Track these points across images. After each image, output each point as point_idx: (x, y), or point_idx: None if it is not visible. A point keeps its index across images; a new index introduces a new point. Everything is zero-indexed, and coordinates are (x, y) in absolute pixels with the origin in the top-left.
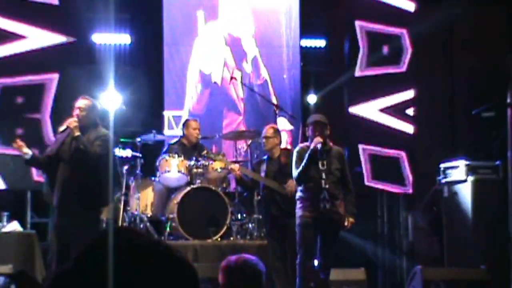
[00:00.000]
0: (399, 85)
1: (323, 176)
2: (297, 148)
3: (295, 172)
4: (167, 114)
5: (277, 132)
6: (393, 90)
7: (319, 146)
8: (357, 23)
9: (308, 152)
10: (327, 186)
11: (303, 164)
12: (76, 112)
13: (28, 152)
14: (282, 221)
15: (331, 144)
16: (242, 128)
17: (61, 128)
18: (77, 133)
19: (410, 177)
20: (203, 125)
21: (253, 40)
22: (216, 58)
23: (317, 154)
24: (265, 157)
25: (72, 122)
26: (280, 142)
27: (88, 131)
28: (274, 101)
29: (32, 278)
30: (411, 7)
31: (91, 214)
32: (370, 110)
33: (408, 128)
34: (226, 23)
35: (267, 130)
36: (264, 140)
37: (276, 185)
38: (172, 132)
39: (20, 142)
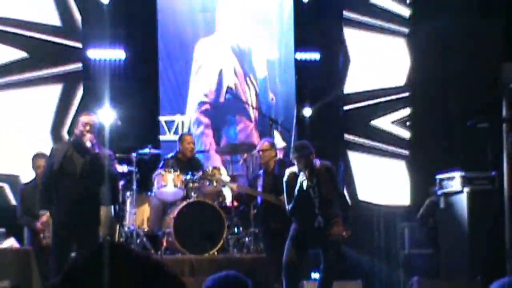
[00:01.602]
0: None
1: (316, 204)
2: (285, 178)
3: (287, 207)
4: (161, 119)
5: (272, 145)
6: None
7: (304, 184)
8: (348, 32)
9: (297, 189)
10: (320, 211)
11: (293, 202)
12: (87, 128)
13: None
14: (282, 234)
15: (317, 163)
16: (255, 135)
17: (88, 144)
18: (97, 150)
19: (407, 189)
20: (217, 132)
21: (265, 63)
22: (226, 66)
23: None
24: (261, 171)
25: (92, 139)
26: (276, 155)
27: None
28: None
29: None
30: (406, 13)
31: (97, 229)
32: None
33: (405, 137)
34: (232, 36)
35: (263, 144)
36: (260, 153)
37: (274, 198)
38: (164, 137)
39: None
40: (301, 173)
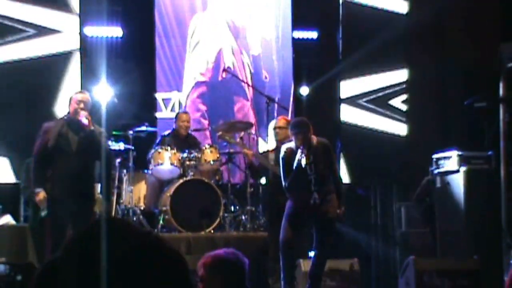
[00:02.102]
0: (392, 65)
1: (312, 181)
2: (281, 154)
3: (284, 182)
4: (158, 96)
5: (288, 122)
6: (385, 69)
7: (303, 162)
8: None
9: (295, 166)
10: (316, 188)
11: (290, 178)
12: (81, 106)
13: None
14: None
15: (315, 139)
16: (251, 113)
17: (85, 121)
18: (92, 127)
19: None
20: (214, 111)
21: (260, 40)
22: (224, 44)
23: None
24: (273, 147)
25: (87, 116)
26: None
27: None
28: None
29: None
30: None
31: (92, 205)
32: (361, 99)
33: (400, 119)
34: (227, 12)
35: (279, 121)
36: (277, 130)
37: None
38: (161, 114)
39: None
40: (299, 150)
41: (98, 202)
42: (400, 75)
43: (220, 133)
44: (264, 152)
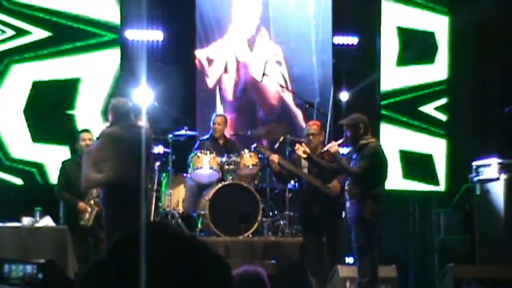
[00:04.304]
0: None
1: (349, 178)
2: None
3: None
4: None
5: (321, 128)
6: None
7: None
8: (389, 20)
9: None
10: (347, 188)
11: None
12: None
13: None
14: (324, 219)
15: (366, 141)
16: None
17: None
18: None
19: (443, 175)
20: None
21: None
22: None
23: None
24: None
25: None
26: (324, 139)
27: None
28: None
29: (60, 268)
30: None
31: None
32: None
33: (441, 126)
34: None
35: (311, 127)
36: (310, 138)
37: (319, 183)
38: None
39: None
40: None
41: None
42: (441, 79)
43: (255, 144)
44: (296, 157)
